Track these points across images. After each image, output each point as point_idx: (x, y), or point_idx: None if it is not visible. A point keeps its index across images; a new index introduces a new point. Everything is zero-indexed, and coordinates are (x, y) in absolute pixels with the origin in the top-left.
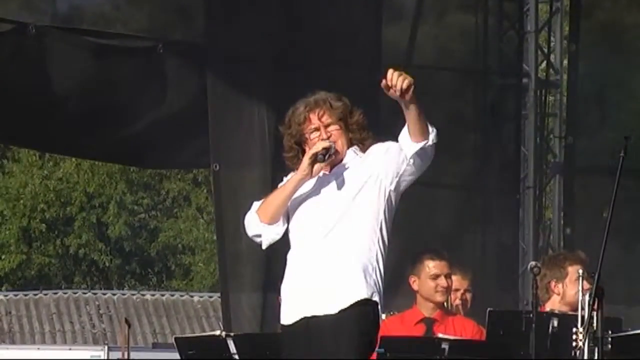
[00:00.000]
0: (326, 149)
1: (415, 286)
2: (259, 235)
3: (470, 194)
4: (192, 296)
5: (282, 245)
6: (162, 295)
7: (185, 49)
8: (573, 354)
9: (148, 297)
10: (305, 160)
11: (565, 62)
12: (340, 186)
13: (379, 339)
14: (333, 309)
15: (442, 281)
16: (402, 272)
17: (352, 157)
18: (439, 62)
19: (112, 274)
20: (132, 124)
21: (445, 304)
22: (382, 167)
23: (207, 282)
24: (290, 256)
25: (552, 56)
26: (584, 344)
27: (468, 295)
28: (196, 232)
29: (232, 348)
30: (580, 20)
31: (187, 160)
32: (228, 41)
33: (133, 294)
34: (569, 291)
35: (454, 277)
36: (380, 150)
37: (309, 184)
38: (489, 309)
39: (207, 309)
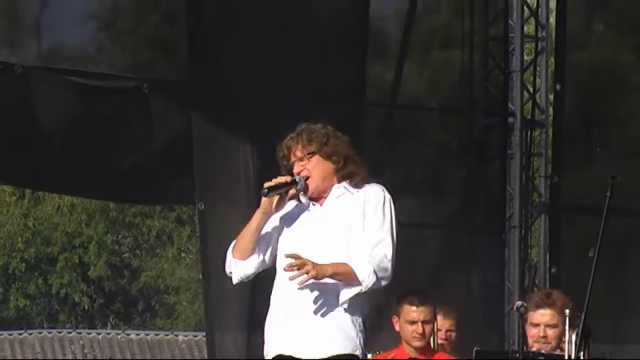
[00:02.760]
0: (282, 184)
1: (397, 327)
2: (231, 272)
3: (456, 233)
4: (176, 335)
5: (267, 284)
6: (147, 334)
7: (169, 87)
8: None
9: (133, 336)
10: (263, 199)
11: (551, 100)
12: (331, 228)
13: None
14: (314, 355)
15: (419, 328)
16: (387, 309)
17: (341, 192)
18: (424, 100)
19: (96, 313)
20: (117, 161)
21: (431, 343)
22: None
23: (191, 320)
24: (275, 292)
25: (537, 95)
26: None
27: (452, 335)
28: (179, 271)
29: None
30: (566, 59)
31: (172, 197)
32: (212, 79)
33: (118, 334)
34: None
35: (438, 317)
36: (369, 205)
37: (296, 214)
38: (475, 348)
39: (192, 348)
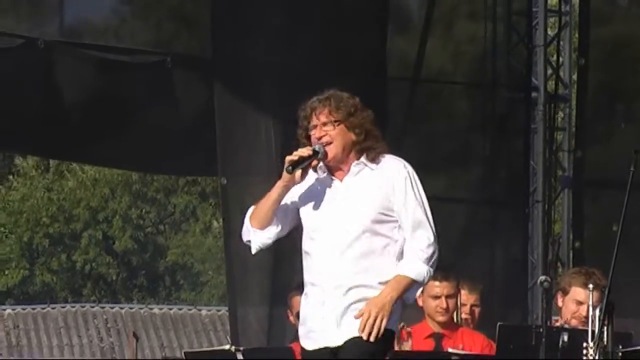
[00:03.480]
0: (305, 157)
1: (420, 302)
2: (249, 241)
3: (479, 207)
4: (199, 310)
5: (289, 256)
6: (170, 309)
7: (192, 61)
8: None
9: (156, 310)
10: (286, 167)
11: (575, 75)
12: (356, 207)
13: None
14: (356, 334)
15: (442, 303)
16: None
17: (360, 168)
18: (447, 74)
19: (119, 288)
20: (141, 132)
21: (454, 318)
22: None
23: (217, 291)
24: (306, 269)
25: (560, 70)
26: (594, 359)
27: (476, 310)
28: (207, 242)
29: None
30: (590, 34)
31: (196, 168)
32: (234, 53)
33: (141, 308)
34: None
35: (462, 292)
36: (398, 185)
37: (318, 191)
38: (499, 323)
39: (215, 323)
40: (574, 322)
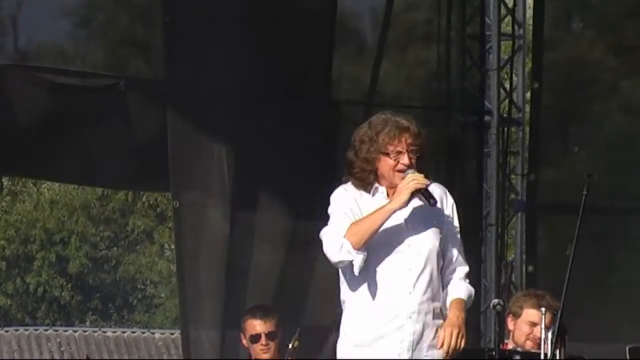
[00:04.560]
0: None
1: None
2: (348, 261)
3: None
4: (153, 333)
5: (241, 282)
6: (124, 332)
7: (146, 85)
8: None
9: (109, 334)
10: (406, 192)
11: (528, 99)
12: (426, 227)
13: None
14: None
15: None
16: None
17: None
18: (401, 98)
19: (74, 310)
20: (94, 148)
21: None
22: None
23: (172, 314)
24: (376, 287)
25: (514, 94)
26: None
27: None
28: (160, 264)
29: None
30: (543, 58)
31: (150, 185)
32: (187, 77)
33: (94, 331)
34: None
35: None
36: (447, 210)
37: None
38: None
39: (169, 346)
40: (528, 345)
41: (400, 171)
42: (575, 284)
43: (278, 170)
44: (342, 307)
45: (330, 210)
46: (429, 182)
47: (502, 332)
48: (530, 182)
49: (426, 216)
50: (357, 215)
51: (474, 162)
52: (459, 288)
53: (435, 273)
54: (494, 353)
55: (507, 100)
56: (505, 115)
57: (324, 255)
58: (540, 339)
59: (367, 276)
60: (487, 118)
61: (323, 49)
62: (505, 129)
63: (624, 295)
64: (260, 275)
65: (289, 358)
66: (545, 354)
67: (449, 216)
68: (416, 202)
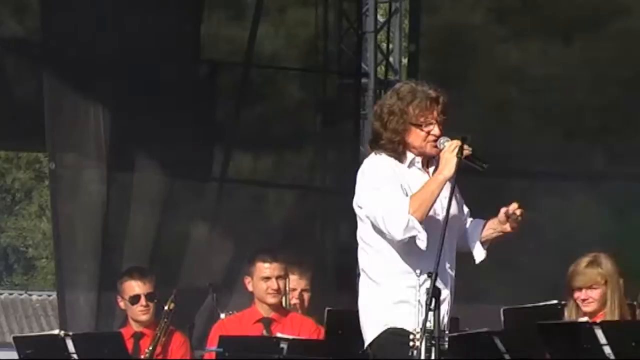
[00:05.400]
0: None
1: (249, 287)
2: (416, 237)
3: (310, 191)
4: (30, 295)
5: (118, 244)
6: (1, 294)
7: (22, 45)
8: (410, 353)
9: None
10: (454, 162)
11: (405, 61)
12: (457, 203)
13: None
14: None
15: (273, 284)
16: (238, 271)
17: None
18: (279, 59)
19: None
20: None
21: (283, 303)
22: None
23: (52, 276)
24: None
25: (391, 56)
26: (420, 344)
27: (306, 295)
28: (42, 226)
29: (71, 347)
30: (420, 21)
31: (28, 145)
32: (63, 38)
33: None
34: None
35: (291, 277)
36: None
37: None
38: (327, 308)
39: (46, 308)
40: None
41: (432, 142)
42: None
43: (154, 132)
44: (370, 275)
45: (372, 181)
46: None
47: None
48: None
49: (455, 193)
50: (405, 188)
51: (351, 124)
52: (478, 220)
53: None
54: None
55: (384, 63)
56: (382, 77)
57: (199, 216)
58: None
59: (409, 249)
60: (364, 80)
61: (195, 9)
62: (382, 91)
63: (496, 257)
64: (136, 237)
65: (165, 319)
66: None
67: (457, 189)
68: None
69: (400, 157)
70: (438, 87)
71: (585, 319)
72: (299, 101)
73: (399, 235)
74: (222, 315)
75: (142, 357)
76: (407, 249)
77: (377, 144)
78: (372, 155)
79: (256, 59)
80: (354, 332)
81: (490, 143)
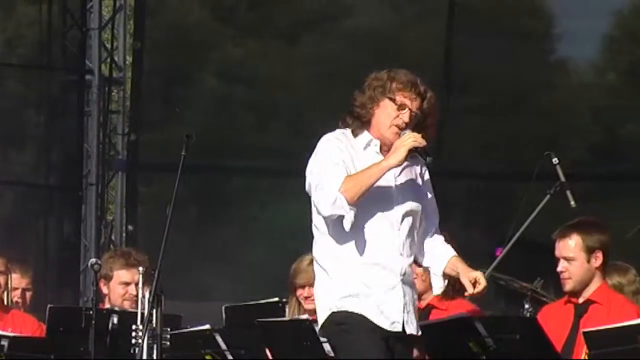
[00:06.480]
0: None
1: None
2: (341, 216)
3: (34, 188)
4: None
5: None
6: None
7: None
8: (132, 350)
9: None
10: (403, 150)
11: (130, 59)
12: (414, 189)
13: None
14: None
15: None
16: None
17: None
18: (3, 56)
19: None
20: None
21: (5, 300)
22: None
23: None
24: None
25: (115, 54)
26: (143, 341)
27: (28, 293)
28: None
29: None
30: (146, 18)
31: None
32: None
33: None
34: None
35: (14, 275)
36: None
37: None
38: (49, 305)
39: None
40: (126, 304)
41: (397, 126)
42: (175, 243)
43: None
44: (320, 259)
45: (318, 157)
46: (424, 144)
47: (101, 291)
48: (131, 141)
49: (414, 179)
50: (349, 168)
51: (75, 121)
52: (448, 248)
53: (416, 236)
54: (91, 312)
55: (108, 60)
56: (106, 74)
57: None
58: (137, 297)
59: (355, 232)
60: (88, 77)
61: None
62: (107, 88)
63: (220, 254)
64: None
65: None
66: (143, 313)
67: (428, 186)
68: (406, 163)
69: (357, 131)
70: (432, 92)
71: (305, 316)
72: (22, 98)
73: (326, 210)
74: None
75: None
76: (351, 235)
77: (348, 112)
78: (334, 132)
79: None
80: (75, 329)
81: (214, 139)
